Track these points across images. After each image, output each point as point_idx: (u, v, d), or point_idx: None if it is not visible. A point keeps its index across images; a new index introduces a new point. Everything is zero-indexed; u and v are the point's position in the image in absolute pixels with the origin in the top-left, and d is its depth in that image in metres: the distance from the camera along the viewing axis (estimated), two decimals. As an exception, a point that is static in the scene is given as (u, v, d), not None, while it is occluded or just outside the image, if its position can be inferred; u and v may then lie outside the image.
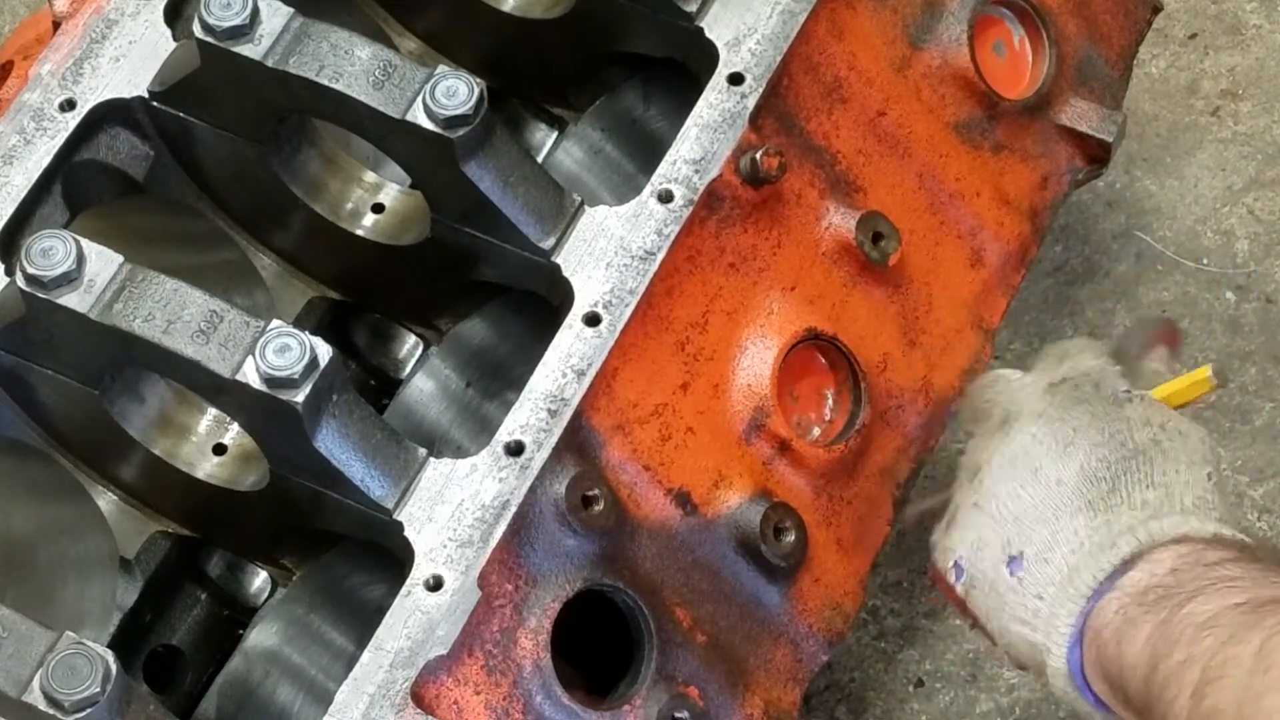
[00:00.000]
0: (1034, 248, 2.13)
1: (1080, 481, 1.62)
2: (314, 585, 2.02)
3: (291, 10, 1.87)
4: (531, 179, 1.89)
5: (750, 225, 1.94)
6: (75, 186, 1.94)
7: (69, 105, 1.94)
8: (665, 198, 1.89)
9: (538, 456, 1.77)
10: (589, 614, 1.78)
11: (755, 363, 1.92)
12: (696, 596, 1.84)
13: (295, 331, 1.73)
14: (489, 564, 1.73)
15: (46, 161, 1.91)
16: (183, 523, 2.02)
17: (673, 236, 1.87)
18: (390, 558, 1.80)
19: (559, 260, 1.88)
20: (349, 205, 2.03)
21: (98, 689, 1.62)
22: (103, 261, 1.77)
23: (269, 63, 1.85)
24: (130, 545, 2.00)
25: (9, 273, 1.81)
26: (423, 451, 1.80)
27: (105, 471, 2.00)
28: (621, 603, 1.80)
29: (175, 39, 1.96)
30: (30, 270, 1.76)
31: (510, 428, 1.79)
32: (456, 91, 1.83)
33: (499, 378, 2.13)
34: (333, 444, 1.76)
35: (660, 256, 1.87)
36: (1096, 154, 2.17)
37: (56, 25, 2.01)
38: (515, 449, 1.78)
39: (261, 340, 1.72)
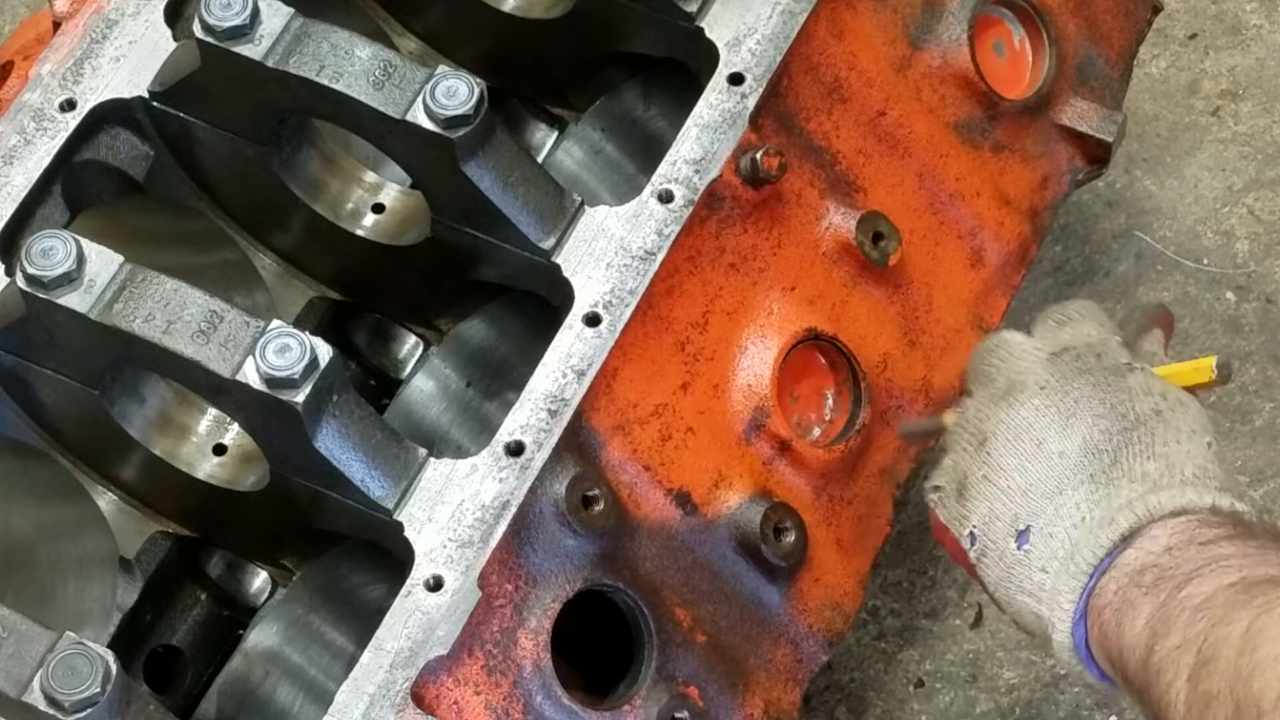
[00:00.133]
0: (1034, 248, 2.13)
1: (1082, 454, 1.63)
2: (314, 585, 2.02)
3: (291, 10, 1.87)
4: (531, 179, 1.89)
5: (750, 225, 1.94)
6: (75, 186, 1.94)
7: (69, 105, 1.94)
8: (665, 198, 1.89)
9: (538, 456, 1.77)
10: (589, 614, 1.78)
11: (755, 363, 1.92)
12: (696, 596, 1.84)
13: (295, 331, 1.73)
14: (489, 564, 1.73)
15: (47, 161, 1.91)
16: (183, 523, 2.02)
17: (673, 236, 1.87)
18: (390, 558, 1.80)
19: (559, 260, 1.88)
20: (349, 205, 2.03)
21: (98, 689, 1.62)
22: (103, 261, 1.77)
23: (269, 63, 1.85)
24: (130, 545, 2.00)
25: (9, 273, 1.81)
26: (423, 451, 1.80)
27: (105, 471, 2.00)
28: (621, 603, 1.80)
29: (175, 39, 1.96)
30: (30, 270, 1.76)
31: (510, 428, 1.79)
32: (456, 91, 1.83)
33: (499, 378, 2.13)
34: (333, 444, 1.76)
35: (660, 256, 1.87)
36: (1096, 154, 2.17)
37: (56, 25, 2.00)
38: (515, 449, 1.78)
39: (261, 340, 1.72)
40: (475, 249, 1.94)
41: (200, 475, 1.93)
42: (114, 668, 1.63)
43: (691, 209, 1.89)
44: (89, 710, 1.62)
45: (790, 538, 1.88)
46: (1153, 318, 1.80)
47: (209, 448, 1.94)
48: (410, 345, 2.18)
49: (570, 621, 1.76)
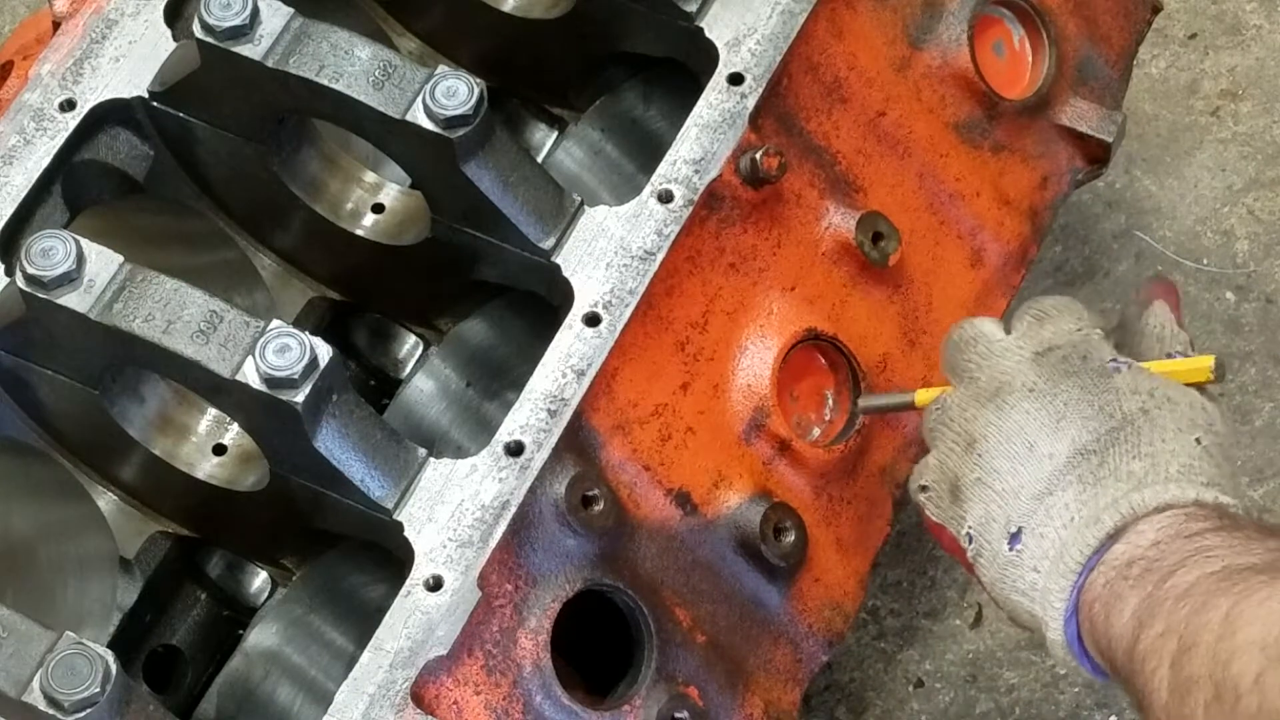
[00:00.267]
0: (1034, 248, 2.13)
1: (1071, 456, 1.64)
2: (314, 585, 2.02)
3: (291, 10, 1.87)
4: (531, 179, 1.89)
5: (750, 225, 1.94)
6: (75, 186, 1.94)
7: (69, 105, 1.94)
8: (665, 198, 1.89)
9: (538, 456, 1.77)
10: (589, 614, 1.78)
11: (755, 363, 1.92)
12: (696, 596, 1.84)
13: (295, 331, 1.73)
14: (489, 564, 1.73)
15: (46, 161, 1.91)
16: (183, 523, 2.02)
17: (673, 236, 1.87)
18: (390, 558, 1.80)
19: (559, 260, 1.88)
20: (349, 205, 2.03)
21: (98, 689, 1.62)
22: (103, 261, 1.77)
23: (269, 63, 1.85)
24: (130, 545, 2.00)
25: (9, 273, 1.81)
26: (423, 451, 1.80)
27: (105, 471, 2.00)
28: (621, 603, 1.80)
29: (175, 39, 1.96)
30: (30, 270, 1.76)
31: (510, 428, 1.79)
32: (456, 91, 1.83)
33: (499, 378, 2.13)
34: (333, 444, 1.76)
35: (660, 256, 1.87)
36: (1096, 154, 2.17)
37: (56, 25, 2.00)
38: (515, 449, 1.78)
39: (261, 340, 1.72)
40: (475, 249, 1.94)
41: (200, 475, 1.93)
42: (114, 668, 1.63)
43: (691, 209, 1.89)
44: (89, 710, 1.62)
45: (790, 538, 1.89)
46: (1150, 290, 1.80)
47: (209, 448, 1.94)
48: (410, 345, 2.18)
49: (570, 621, 1.76)
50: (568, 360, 1.82)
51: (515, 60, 2.17)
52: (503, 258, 1.93)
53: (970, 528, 1.68)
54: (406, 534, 1.75)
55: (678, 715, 1.77)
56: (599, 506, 1.78)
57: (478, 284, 2.00)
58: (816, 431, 1.97)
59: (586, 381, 1.81)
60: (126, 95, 1.95)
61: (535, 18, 2.11)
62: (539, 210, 1.89)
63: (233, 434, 1.94)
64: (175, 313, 1.75)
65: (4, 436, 1.94)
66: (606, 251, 1.87)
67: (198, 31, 1.87)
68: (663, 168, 1.90)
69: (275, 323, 1.74)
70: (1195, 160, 2.77)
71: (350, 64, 1.85)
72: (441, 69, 1.84)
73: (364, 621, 1.85)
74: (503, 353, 2.12)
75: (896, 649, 2.45)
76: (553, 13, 2.10)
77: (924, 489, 1.74)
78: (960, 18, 2.09)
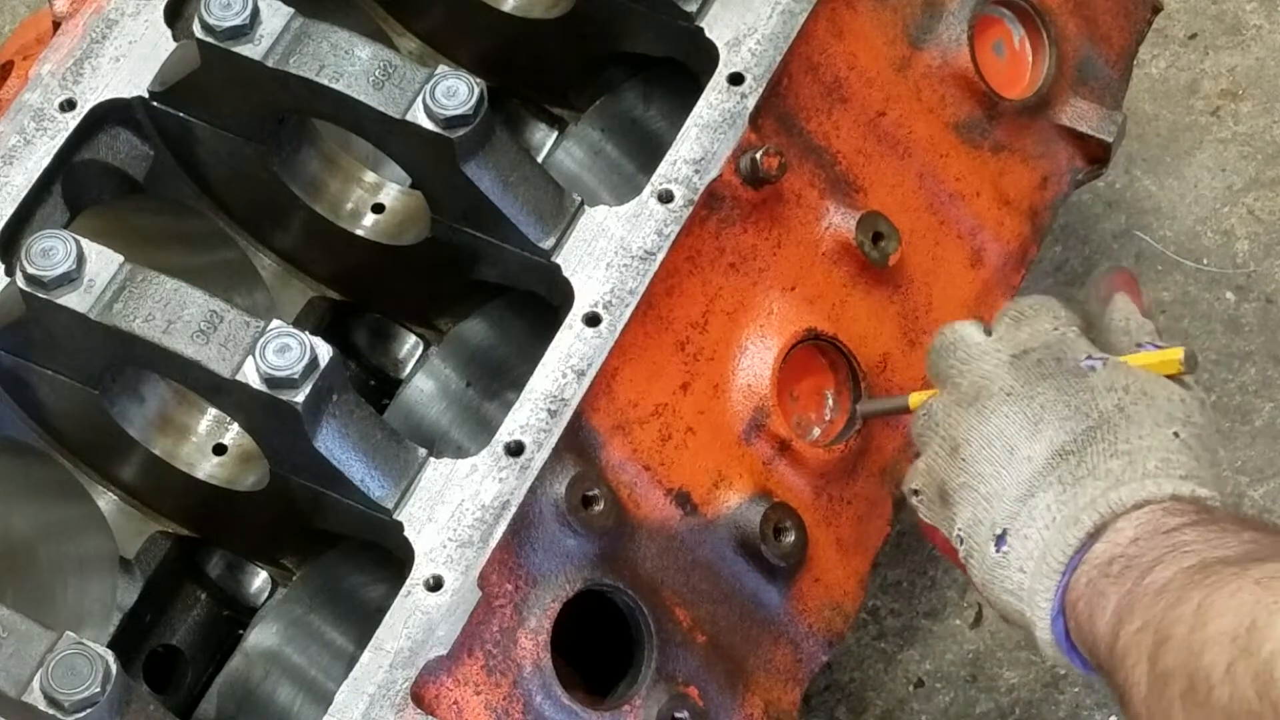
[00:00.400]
0: (1034, 248, 2.13)
1: (1050, 457, 1.65)
2: (314, 585, 2.02)
3: (291, 10, 1.87)
4: (531, 179, 1.89)
5: (750, 225, 1.94)
6: (75, 186, 1.94)
7: (69, 105, 1.94)
8: (665, 198, 1.89)
9: (538, 456, 1.77)
10: (589, 614, 1.78)
11: (755, 363, 1.92)
12: (696, 596, 1.84)
13: (295, 331, 1.73)
14: (489, 564, 1.73)
15: (46, 161, 1.91)
16: (183, 523, 2.02)
17: (673, 236, 1.87)
18: (390, 558, 1.80)
19: (559, 260, 1.88)
20: (349, 205, 2.03)
21: (98, 689, 1.62)
22: (103, 261, 1.77)
23: (269, 63, 1.85)
24: (130, 545, 2.00)
25: (9, 273, 1.81)
26: (423, 451, 1.80)
27: (105, 471, 2.00)
28: (621, 603, 1.80)
29: (175, 39, 1.96)
30: (30, 270, 1.76)
31: (510, 428, 1.79)
32: (456, 91, 1.83)
33: (499, 378, 2.13)
34: (333, 444, 1.76)
35: (660, 256, 1.87)
36: (1096, 154, 2.17)
37: (56, 25, 2.00)
38: (515, 449, 1.78)
39: (261, 340, 1.72)
40: (475, 249, 1.94)
41: (200, 475, 1.93)
42: (114, 668, 1.63)
43: (691, 209, 1.89)
44: (89, 710, 1.62)
45: (790, 538, 1.89)
46: (1110, 283, 1.81)
47: (209, 448, 1.94)
48: (410, 345, 2.18)
49: (570, 621, 1.76)
50: (568, 360, 1.82)
51: (515, 60, 2.17)
52: (503, 258, 1.93)
53: (959, 530, 1.69)
54: (406, 534, 1.75)
55: (678, 715, 1.77)
56: (599, 506, 1.78)
57: (478, 284, 2.00)
58: (816, 431, 1.97)
59: (586, 381, 1.81)
60: (126, 95, 1.95)
61: (535, 18, 2.11)
62: (539, 210, 1.89)
63: (233, 434, 1.94)
64: (175, 313, 1.75)
65: (4, 436, 1.94)
66: (606, 251, 1.87)
67: (198, 31, 1.87)
68: (663, 168, 1.90)
69: (275, 323, 1.74)
70: (1195, 160, 2.77)
71: (350, 64, 1.85)
72: (441, 69, 1.84)
73: (364, 621, 1.85)
74: (503, 353, 2.12)
75: (896, 649, 2.45)
76: (553, 13, 2.10)
77: (916, 493, 1.75)
78: (960, 18, 2.09)
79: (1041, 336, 1.73)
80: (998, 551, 1.65)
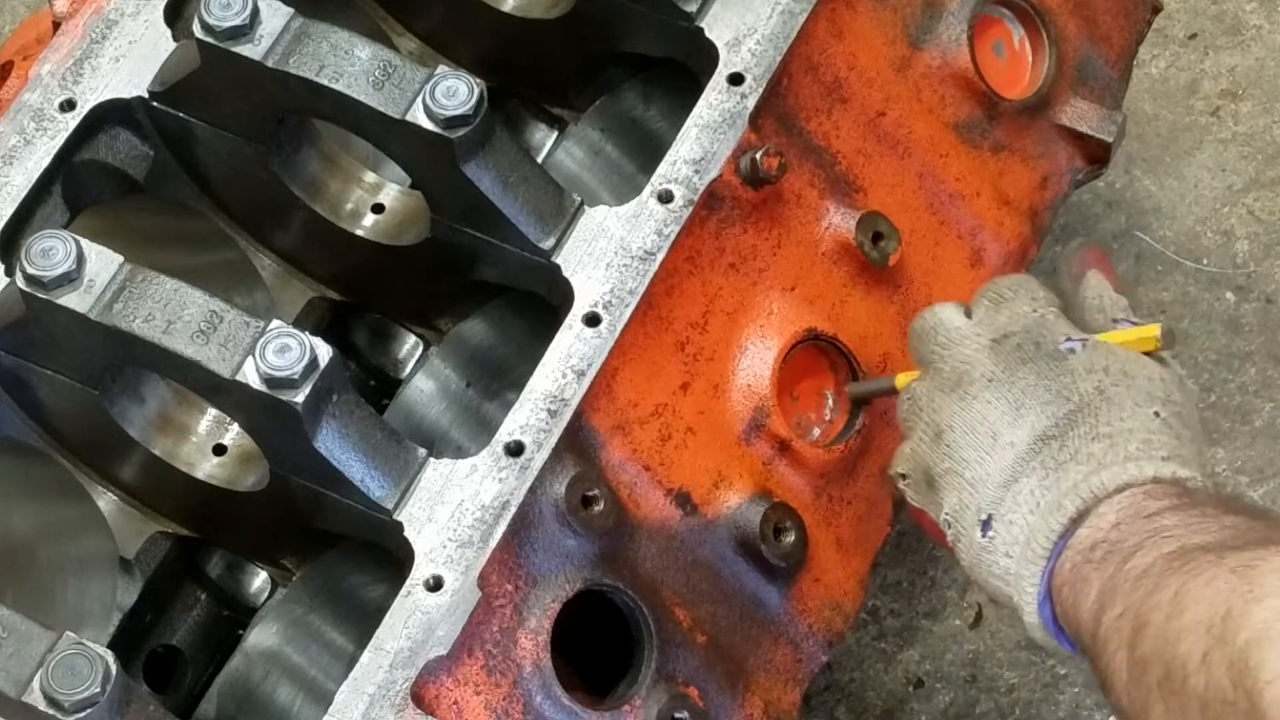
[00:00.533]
0: (1034, 248, 2.13)
1: (1033, 442, 1.66)
2: (314, 585, 2.02)
3: (291, 10, 1.87)
4: (531, 179, 1.89)
5: (750, 225, 1.94)
6: (75, 186, 1.94)
7: (69, 105, 1.94)
8: (665, 198, 1.89)
9: (538, 457, 1.77)
10: (589, 614, 1.78)
11: (755, 363, 1.92)
12: (696, 596, 1.84)
13: (295, 332, 1.73)
14: (489, 564, 1.73)
15: (46, 161, 1.91)
16: (183, 523, 2.02)
17: (673, 237, 1.87)
18: (390, 558, 1.80)
19: (559, 260, 1.88)
20: (349, 205, 2.03)
21: (98, 689, 1.62)
22: (103, 261, 1.77)
23: (269, 63, 1.85)
24: (130, 545, 2.00)
25: (9, 273, 1.81)
26: (423, 452, 1.80)
27: (105, 471, 2.00)
28: (621, 603, 1.80)
29: (175, 39, 1.96)
30: (30, 270, 1.76)
31: (510, 428, 1.79)
32: (456, 91, 1.83)
33: (499, 378, 2.13)
34: (333, 444, 1.76)
35: (660, 257, 1.87)
36: (1096, 154, 2.17)
37: (56, 25, 2.00)
38: (515, 449, 1.78)
39: (261, 340, 1.72)
40: (475, 249, 1.94)
41: (200, 475, 1.93)
42: (114, 668, 1.63)
43: (691, 209, 1.89)
44: (89, 710, 1.62)
45: (790, 538, 1.89)
46: (1082, 260, 1.82)
47: (209, 448, 1.94)
48: (410, 345, 2.18)
49: (570, 621, 1.76)
50: (568, 360, 1.82)
51: (515, 60, 2.17)
52: (503, 258, 1.93)
53: (946, 514, 1.70)
54: (406, 534, 1.75)
55: (678, 715, 1.77)
56: (599, 506, 1.78)
57: (478, 284, 2.00)
58: (816, 431, 1.97)
59: (586, 381, 1.81)
60: (126, 95, 1.95)
61: (535, 18, 2.11)
62: (539, 210, 1.89)
63: (233, 434, 1.94)
64: (175, 313, 1.75)
65: (4, 436, 1.94)
66: (606, 251, 1.87)
67: (198, 31, 1.87)
68: (663, 168, 1.90)
69: (275, 323, 1.74)
70: (1195, 160, 2.77)
71: (350, 64, 1.85)
72: (441, 69, 1.84)
73: (364, 621, 1.85)
74: (503, 353, 2.12)
75: (896, 649, 2.45)
76: (553, 13, 2.10)
77: (903, 476, 1.76)
78: (960, 18, 2.09)
79: (1021, 319, 1.74)
80: (984, 537, 1.66)
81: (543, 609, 1.75)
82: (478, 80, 1.83)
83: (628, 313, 1.84)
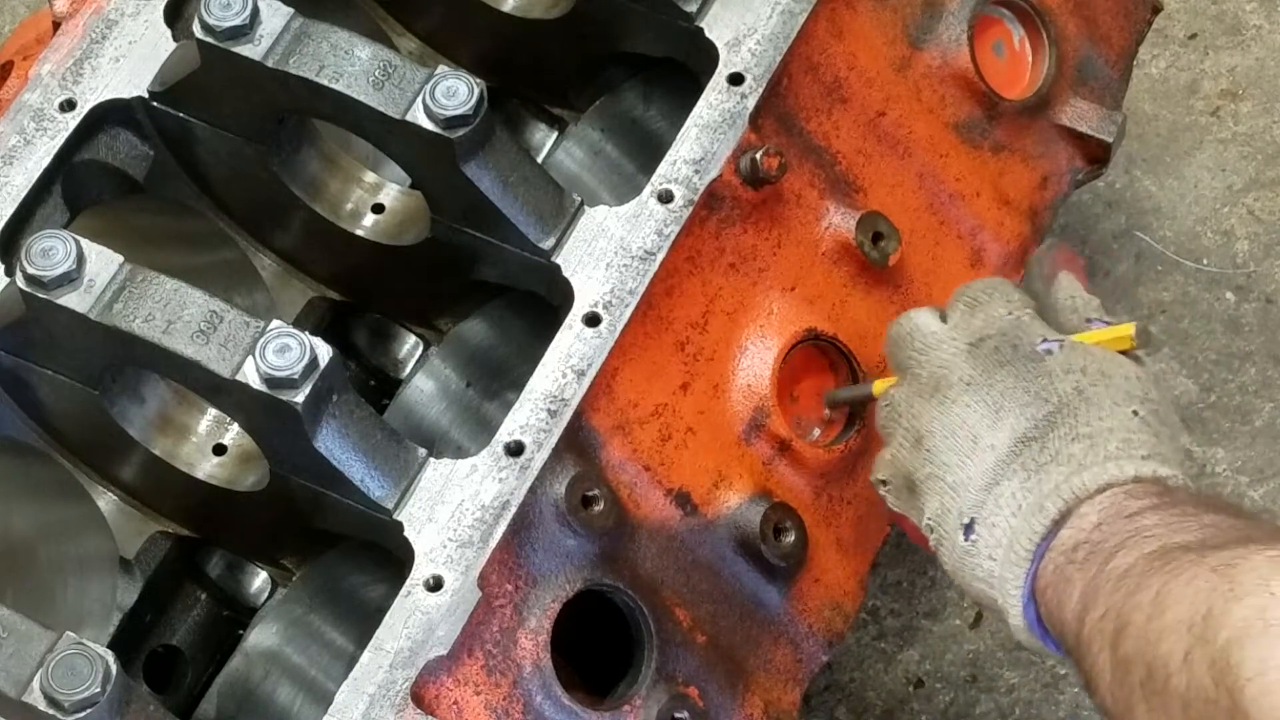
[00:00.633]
0: (1034, 248, 2.13)
1: (1013, 445, 1.66)
2: (314, 585, 2.02)
3: (291, 10, 1.87)
4: (531, 179, 1.89)
5: (750, 225, 1.94)
6: (75, 186, 1.94)
7: (69, 105, 1.94)
8: (665, 198, 1.89)
9: (538, 457, 1.77)
10: (589, 614, 1.78)
11: (755, 363, 1.92)
12: (696, 596, 1.84)
13: (295, 332, 1.73)
14: (489, 564, 1.73)
15: (46, 161, 1.91)
16: (183, 523, 2.02)
17: (673, 237, 1.87)
18: (390, 558, 1.80)
19: (559, 260, 1.88)
20: (349, 205, 2.03)
21: (98, 689, 1.62)
22: (103, 261, 1.77)
23: (269, 63, 1.85)
24: (130, 545, 2.00)
25: (9, 273, 1.81)
26: (423, 452, 1.80)
27: (105, 471, 2.00)
28: (621, 603, 1.80)
29: (175, 39, 1.96)
30: (30, 270, 1.76)
31: (510, 428, 1.79)
32: (456, 91, 1.83)
33: (499, 378, 2.13)
34: (333, 444, 1.76)
35: (660, 257, 1.87)
36: (1096, 154, 2.17)
37: (56, 25, 2.00)
38: (515, 449, 1.78)
39: (261, 340, 1.72)
40: (475, 249, 1.94)
41: (200, 475, 1.93)
42: (114, 668, 1.63)
43: (691, 209, 1.89)
44: (89, 710, 1.62)
45: (790, 538, 1.89)
46: (1053, 262, 1.82)
47: (209, 448, 1.94)
48: (410, 345, 2.18)
49: (570, 621, 1.76)
50: (568, 360, 1.82)
51: (515, 60, 2.17)
52: (503, 258, 1.93)
53: (928, 519, 1.71)
54: (406, 534, 1.75)
55: (678, 715, 1.77)
56: (599, 506, 1.78)
57: (478, 284, 2.00)
58: (816, 431, 1.97)
59: (586, 381, 1.81)
60: (126, 95, 1.95)
61: (535, 18, 2.11)
62: (539, 210, 1.89)
63: (233, 434, 1.94)
64: (175, 313, 1.75)
65: (4, 436, 1.94)
66: (606, 251, 1.87)
67: (198, 31, 1.87)
68: (663, 168, 1.90)
69: (275, 323, 1.74)
70: (1195, 160, 2.77)
71: (350, 64, 1.85)
72: (441, 69, 1.84)
73: (364, 621, 1.85)
74: (503, 353, 2.12)
75: (896, 649, 2.45)
76: (553, 13, 2.10)
77: (883, 483, 1.76)
78: (960, 18, 2.09)
79: (996, 322, 1.74)
80: (966, 540, 1.66)
81: (543, 609, 1.75)
82: (478, 80, 1.83)
83: (628, 313, 1.84)
